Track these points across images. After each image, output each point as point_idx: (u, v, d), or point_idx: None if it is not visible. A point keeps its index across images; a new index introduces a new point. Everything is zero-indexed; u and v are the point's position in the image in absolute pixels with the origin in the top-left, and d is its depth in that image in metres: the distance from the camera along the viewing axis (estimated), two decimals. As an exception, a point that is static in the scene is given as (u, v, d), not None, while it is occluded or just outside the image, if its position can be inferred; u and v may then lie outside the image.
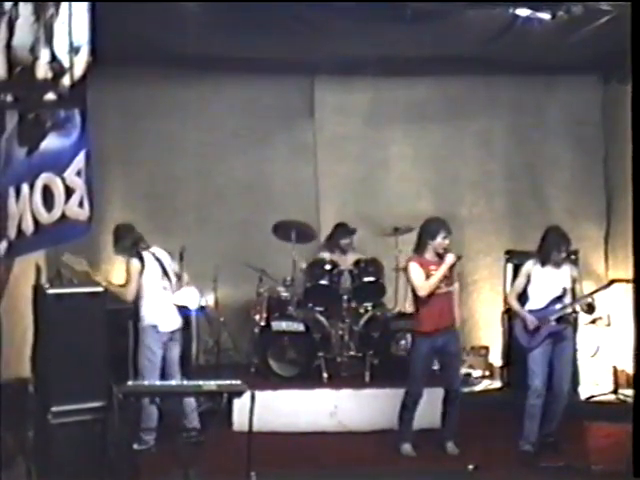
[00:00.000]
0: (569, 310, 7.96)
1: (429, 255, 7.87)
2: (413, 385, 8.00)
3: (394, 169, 10.98)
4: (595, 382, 9.89)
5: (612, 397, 9.57)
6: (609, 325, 9.93)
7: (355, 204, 10.80)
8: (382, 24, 8.53)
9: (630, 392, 9.23)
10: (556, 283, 7.96)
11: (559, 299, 7.94)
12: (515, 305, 8.14)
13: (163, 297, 8.07)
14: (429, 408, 8.25)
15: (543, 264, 8.00)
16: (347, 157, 10.93)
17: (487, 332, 10.62)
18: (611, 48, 9.20)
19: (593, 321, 9.76)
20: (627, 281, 7.81)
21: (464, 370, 10.03)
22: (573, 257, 9.15)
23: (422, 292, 7.85)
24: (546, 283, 7.98)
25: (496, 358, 10.32)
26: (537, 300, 8.01)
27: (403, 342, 9.37)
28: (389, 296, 9.82)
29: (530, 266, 8.07)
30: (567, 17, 8.21)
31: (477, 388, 10.00)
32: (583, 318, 9.17)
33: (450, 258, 7.79)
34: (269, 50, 9.53)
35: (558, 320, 7.91)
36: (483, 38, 9.00)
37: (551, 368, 7.91)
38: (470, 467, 7.46)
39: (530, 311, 7.97)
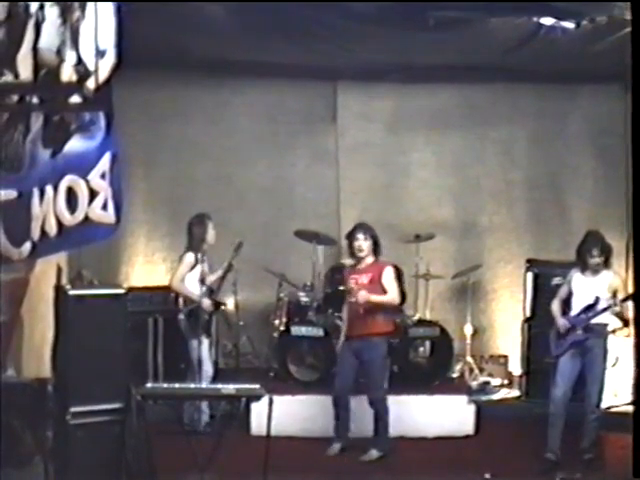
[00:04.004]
0: (596, 318, 7.74)
1: None
2: None
3: (416, 176, 10.96)
4: (614, 393, 9.82)
5: (631, 408, 9.49)
6: (629, 336, 9.85)
7: (376, 210, 10.76)
8: (405, 31, 8.55)
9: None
10: (592, 291, 7.78)
11: (590, 307, 7.75)
12: (554, 310, 7.98)
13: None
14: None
15: (582, 271, 7.85)
16: (369, 163, 10.92)
17: (506, 341, 10.57)
18: (635, 58, 9.16)
19: (613, 331, 9.68)
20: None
21: (483, 378, 10.02)
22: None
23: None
24: (584, 291, 7.81)
25: (515, 367, 10.27)
26: (576, 309, 7.87)
27: (422, 349, 9.39)
28: (409, 303, 9.79)
29: (572, 274, 7.94)
30: (591, 26, 8.20)
31: (496, 397, 9.94)
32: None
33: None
34: (292, 55, 9.57)
35: (585, 329, 7.75)
36: (506, 46, 9.00)
37: (583, 381, 7.76)
38: (487, 476, 7.43)
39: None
